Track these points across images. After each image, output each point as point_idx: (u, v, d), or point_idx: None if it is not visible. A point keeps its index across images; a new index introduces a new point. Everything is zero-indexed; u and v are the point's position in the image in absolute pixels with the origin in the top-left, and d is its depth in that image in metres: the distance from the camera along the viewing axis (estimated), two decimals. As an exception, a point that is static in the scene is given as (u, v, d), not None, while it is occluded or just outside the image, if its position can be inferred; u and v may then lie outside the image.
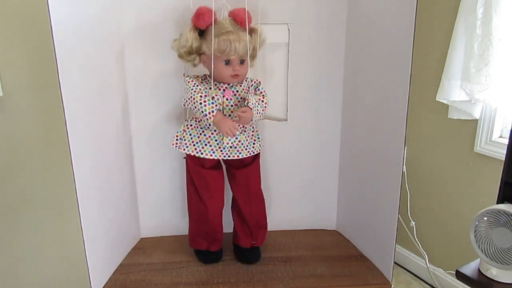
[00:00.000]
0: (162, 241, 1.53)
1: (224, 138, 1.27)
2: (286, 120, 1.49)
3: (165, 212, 1.54)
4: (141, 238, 1.55)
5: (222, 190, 1.37)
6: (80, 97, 1.15)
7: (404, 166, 1.71)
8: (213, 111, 1.21)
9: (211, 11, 1.21)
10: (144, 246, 1.50)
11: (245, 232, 1.41)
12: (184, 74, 1.30)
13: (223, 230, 1.41)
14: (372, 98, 1.34)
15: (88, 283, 1.21)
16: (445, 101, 1.58)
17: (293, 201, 1.58)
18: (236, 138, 1.28)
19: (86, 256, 1.19)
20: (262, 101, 1.30)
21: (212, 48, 1.20)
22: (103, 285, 1.29)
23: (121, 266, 1.39)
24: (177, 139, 1.32)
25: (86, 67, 1.17)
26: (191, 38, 1.22)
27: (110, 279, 1.32)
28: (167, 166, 1.50)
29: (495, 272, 1.04)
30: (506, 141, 1.25)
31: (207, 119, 1.22)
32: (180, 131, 1.32)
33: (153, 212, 1.54)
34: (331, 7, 1.40)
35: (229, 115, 1.26)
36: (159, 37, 1.37)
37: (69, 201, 1.60)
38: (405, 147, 1.23)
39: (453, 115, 1.61)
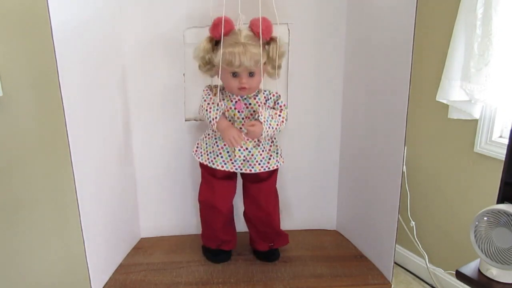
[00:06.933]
0: (162, 241, 1.53)
1: (236, 151, 1.22)
2: (286, 120, 1.49)
3: (165, 212, 1.54)
4: (141, 238, 1.55)
5: (230, 201, 1.35)
6: (80, 97, 1.15)
7: (404, 166, 1.71)
8: (216, 118, 1.19)
9: (227, 21, 1.16)
10: (144, 246, 1.50)
11: (261, 237, 1.40)
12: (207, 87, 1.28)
13: (235, 233, 1.42)
14: (372, 98, 1.34)
15: (88, 283, 1.21)
16: (445, 101, 1.57)
17: (293, 201, 1.58)
18: (249, 152, 1.24)
19: (86, 256, 1.19)
20: (279, 115, 1.24)
21: (220, 60, 1.16)
22: (103, 285, 1.29)
23: (121, 266, 1.39)
24: (197, 147, 1.32)
25: (86, 67, 1.17)
26: (203, 49, 1.19)
27: (110, 279, 1.32)
28: (167, 166, 1.50)
29: (495, 272, 1.04)
30: (506, 141, 1.25)
31: (211, 125, 1.20)
32: (200, 139, 1.32)
33: (153, 212, 1.54)
34: (331, 7, 1.40)
35: (240, 128, 1.22)
36: (160, 35, 1.37)
37: (69, 201, 1.60)
38: (405, 147, 1.23)
39: (453, 115, 1.61)
